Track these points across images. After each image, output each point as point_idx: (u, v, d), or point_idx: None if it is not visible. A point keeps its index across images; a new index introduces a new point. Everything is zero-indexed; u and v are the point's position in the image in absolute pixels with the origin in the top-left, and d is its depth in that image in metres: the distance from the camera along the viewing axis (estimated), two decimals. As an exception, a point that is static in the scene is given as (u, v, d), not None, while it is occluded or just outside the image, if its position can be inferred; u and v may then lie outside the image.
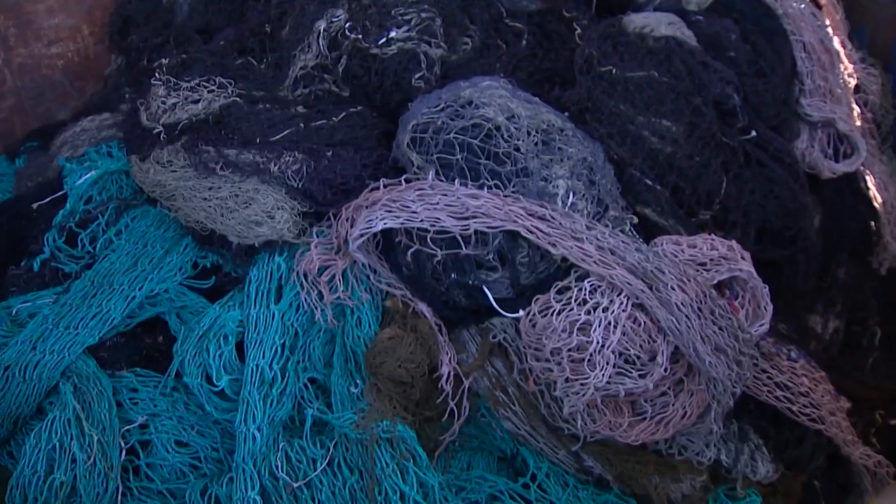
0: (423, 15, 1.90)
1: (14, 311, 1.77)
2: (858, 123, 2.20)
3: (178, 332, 1.73)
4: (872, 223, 2.18)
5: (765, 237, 2.01)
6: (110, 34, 2.26)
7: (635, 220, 1.79)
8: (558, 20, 2.11)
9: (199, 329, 1.69)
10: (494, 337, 1.65)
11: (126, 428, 1.64)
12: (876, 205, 2.18)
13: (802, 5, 2.20)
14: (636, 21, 2.05)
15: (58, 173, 2.03)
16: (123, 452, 1.61)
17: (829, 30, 2.21)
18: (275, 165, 1.70)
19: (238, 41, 1.98)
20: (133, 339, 1.76)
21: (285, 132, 1.75)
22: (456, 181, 1.63)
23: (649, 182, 1.85)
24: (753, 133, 2.00)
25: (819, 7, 2.24)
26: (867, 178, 2.20)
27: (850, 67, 2.21)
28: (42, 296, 1.79)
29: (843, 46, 2.24)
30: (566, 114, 1.87)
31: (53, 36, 2.35)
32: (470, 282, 1.61)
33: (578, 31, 2.05)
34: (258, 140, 1.73)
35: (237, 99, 1.79)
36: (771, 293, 1.77)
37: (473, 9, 2.01)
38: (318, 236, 1.75)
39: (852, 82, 2.21)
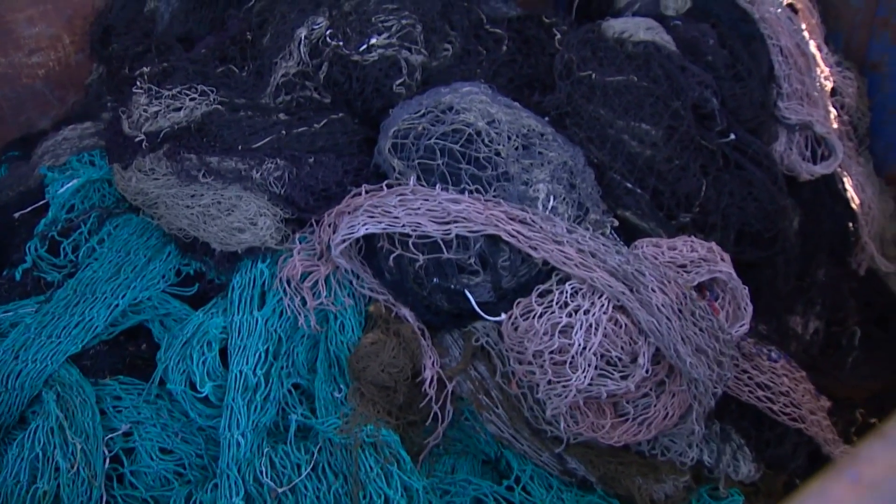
0: (404, 22, 1.91)
1: (-4, 321, 1.77)
2: (835, 126, 2.23)
3: (161, 340, 1.73)
4: (850, 224, 2.21)
5: (744, 239, 2.03)
6: (91, 43, 2.26)
7: (616, 223, 1.80)
8: (538, 26, 2.12)
9: (183, 336, 1.69)
10: (477, 340, 1.66)
11: (110, 436, 1.63)
12: (854, 206, 2.21)
13: (779, 10, 2.23)
14: (615, 26, 2.07)
15: (39, 182, 2.02)
16: (107, 461, 1.61)
17: (806, 34, 2.24)
18: (257, 172, 1.70)
19: (219, 49, 1.99)
20: (116, 347, 1.76)
21: (267, 139, 1.76)
22: (437, 186, 1.64)
23: (629, 185, 1.87)
24: (732, 136, 2.02)
25: (795, 12, 2.27)
26: (845, 179, 2.22)
27: (827, 71, 2.24)
28: (24, 305, 1.79)
29: (820, 50, 2.27)
30: (546, 119, 1.88)
31: (34, 45, 2.34)
32: (452, 286, 1.61)
33: (558, 36, 2.06)
34: (240, 147, 1.74)
35: (219, 107, 1.80)
36: (751, 294, 1.79)
37: (454, 15, 2.02)
38: (300, 242, 1.75)
39: (829, 85, 2.23)
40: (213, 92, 1.83)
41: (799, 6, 2.27)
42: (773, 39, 2.17)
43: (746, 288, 1.78)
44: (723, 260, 1.77)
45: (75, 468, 1.56)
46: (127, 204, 1.90)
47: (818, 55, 2.24)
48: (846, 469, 0.65)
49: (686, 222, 1.93)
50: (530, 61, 2.05)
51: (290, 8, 1.96)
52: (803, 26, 2.25)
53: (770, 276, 2.07)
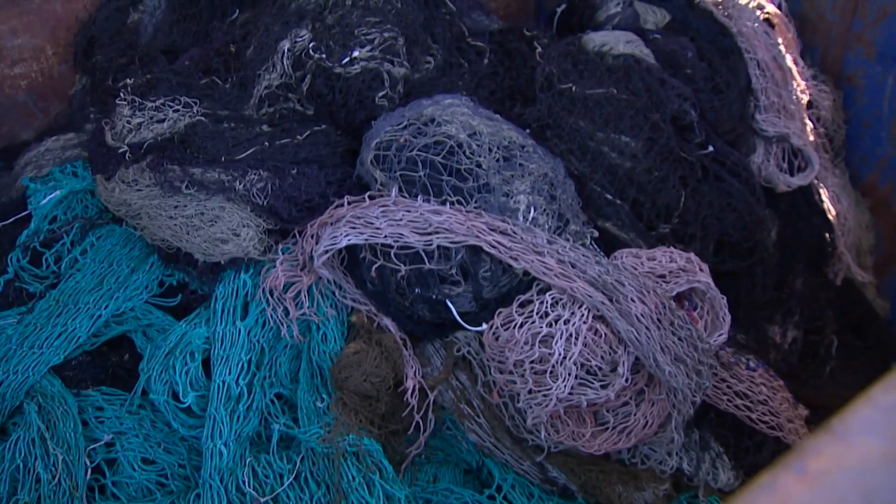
0: (386, 34, 1.93)
1: (-23, 332, 1.76)
2: (812, 138, 2.26)
3: (144, 350, 1.74)
4: (827, 234, 2.24)
5: (723, 249, 2.06)
6: (75, 54, 2.27)
7: (596, 233, 1.82)
8: (519, 39, 2.14)
9: (166, 346, 1.69)
10: (458, 350, 1.67)
11: (92, 447, 1.63)
12: (830, 217, 2.23)
13: (756, 24, 2.26)
14: (595, 39, 2.09)
15: (22, 193, 2.03)
16: (89, 471, 1.61)
17: (782, 48, 2.28)
18: (240, 183, 1.71)
19: (203, 61, 2.00)
20: (99, 358, 1.76)
21: (250, 151, 1.77)
22: (419, 197, 1.66)
23: (609, 196, 1.89)
24: (711, 148, 2.05)
25: (772, 26, 2.30)
26: (821, 190, 2.25)
27: (803, 84, 2.27)
28: (6, 316, 1.79)
29: (796, 64, 2.30)
30: (527, 130, 1.90)
31: (17, 56, 2.35)
32: (433, 296, 1.63)
33: (539, 49, 2.09)
34: (223, 159, 1.75)
35: (202, 118, 1.81)
36: (730, 304, 1.81)
37: (436, 28, 2.04)
38: (283, 253, 1.76)
39: (805, 98, 2.27)
40: (196, 103, 1.84)
41: (775, 21, 2.30)
42: (751, 53, 2.20)
43: (725, 298, 1.80)
44: (701, 270, 1.79)
45: (57, 479, 1.56)
46: (110, 215, 1.91)
47: (794, 69, 2.28)
48: (793, 462, 0.67)
49: (666, 233, 1.95)
50: (512, 74, 2.07)
51: (273, 20, 1.97)
52: (780, 40, 2.28)
53: (749, 286, 2.10)
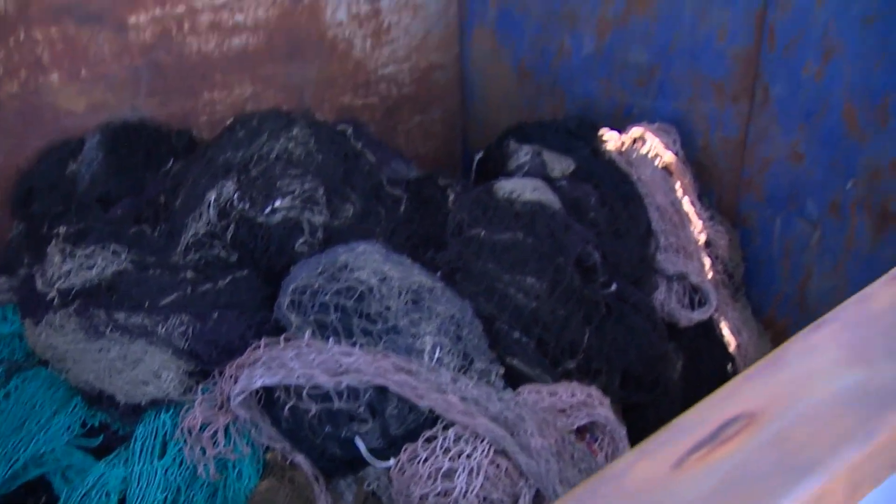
0: (307, 185, 2.07)
1: None
2: (710, 276, 2.43)
3: (61, 492, 1.78)
4: (729, 365, 2.38)
5: (629, 382, 2.17)
6: (13, 203, 2.37)
7: (502, 370, 1.93)
8: (434, 187, 2.31)
9: (83, 487, 1.74)
10: (368, 485, 1.74)
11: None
12: (731, 349, 2.38)
13: (655, 172, 2.46)
14: (505, 187, 2.27)
15: (-49, 336, 2.09)
16: None
17: (680, 192, 2.47)
18: (162, 328, 1.81)
19: (135, 210, 2.12)
20: (15, 502, 1.79)
21: (173, 296, 1.87)
22: (330, 340, 1.76)
23: (516, 335, 2.01)
24: (614, 287, 2.20)
25: (670, 173, 2.51)
26: (722, 324, 2.41)
27: (700, 225, 2.46)
28: (-74, 460, 1.82)
29: (694, 206, 2.50)
30: (438, 274, 2.04)
31: (-43, 203, 2.45)
32: (343, 434, 1.71)
33: (451, 197, 2.25)
34: (147, 304, 1.84)
35: (129, 265, 1.91)
36: (639, 434, 1.91)
37: (355, 178, 2.19)
38: (203, 394, 1.84)
39: (702, 238, 2.45)
40: (125, 251, 1.94)
41: (673, 168, 2.51)
42: (650, 198, 2.39)
43: (625, 429, 1.91)
44: (601, 404, 1.90)
45: None
46: (37, 358, 1.98)
47: (692, 211, 2.47)
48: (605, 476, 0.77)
49: (571, 368, 2.07)
50: (426, 220, 2.22)
51: (202, 173, 2.11)
52: (678, 185, 2.49)
53: (655, 417, 2.20)
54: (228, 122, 2.26)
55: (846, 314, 0.80)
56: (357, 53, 3.02)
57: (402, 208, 2.22)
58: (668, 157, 2.51)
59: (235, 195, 2.04)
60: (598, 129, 2.60)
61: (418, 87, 3.19)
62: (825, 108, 2.31)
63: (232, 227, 2.03)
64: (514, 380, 1.96)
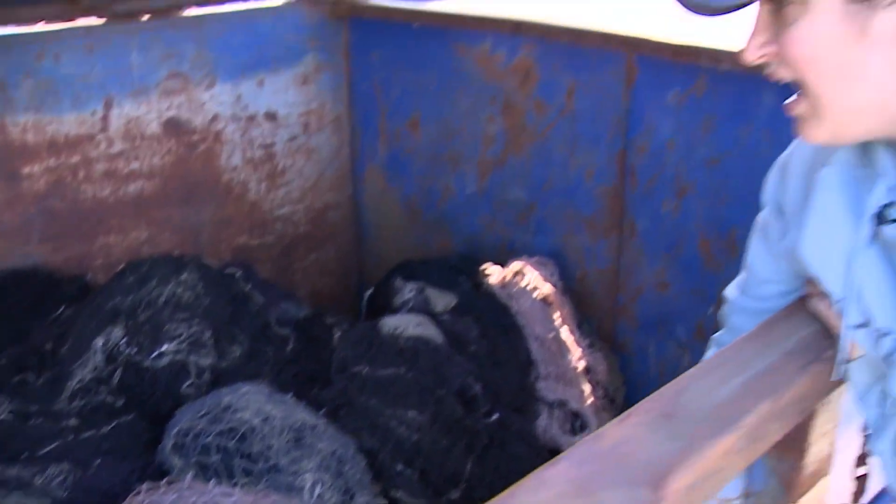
0: (194, 328, 2.14)
1: None
2: (591, 401, 2.55)
3: None
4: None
5: (515, 509, 2.24)
6: None
7: (386, 503, 1.99)
8: (321, 326, 2.40)
9: None
10: None
11: None
12: (613, 472, 2.48)
13: (534, 303, 2.61)
14: (389, 323, 2.37)
15: None
16: None
17: (559, 322, 2.62)
18: (39, 478, 1.81)
19: (19, 359, 2.14)
20: None
21: (54, 444, 1.88)
22: (212, 481, 1.79)
23: (399, 467, 2.08)
24: (496, 416, 2.29)
25: (549, 304, 2.65)
26: (603, 448, 2.51)
27: (579, 353, 2.60)
28: None
29: (573, 335, 2.64)
30: (322, 411, 2.10)
31: None
32: (223, 576, 1.73)
33: (337, 335, 2.34)
34: (25, 455, 1.85)
35: (9, 416, 1.93)
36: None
37: (243, 319, 2.27)
38: (83, 543, 1.83)
39: (582, 365, 2.58)
40: (6, 401, 1.96)
41: (552, 299, 2.66)
42: (529, 329, 2.52)
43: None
44: (482, 533, 1.96)
45: None
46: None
47: (571, 339, 2.61)
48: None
49: (455, 498, 2.13)
50: (313, 358, 2.30)
51: (90, 319, 2.16)
52: (556, 316, 2.63)
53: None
54: (119, 268, 2.33)
55: (578, 451, 0.91)
56: (252, 196, 3.14)
57: (290, 347, 2.29)
58: (546, 288, 2.66)
59: (123, 340, 2.09)
60: (480, 264, 2.76)
61: (313, 226, 3.32)
62: (684, 240, 2.52)
63: (119, 371, 2.07)
64: (398, 512, 2.02)
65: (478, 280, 2.67)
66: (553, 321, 2.59)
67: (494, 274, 2.70)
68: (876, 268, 1.03)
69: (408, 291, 2.58)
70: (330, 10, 3.08)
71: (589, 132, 2.64)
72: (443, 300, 2.54)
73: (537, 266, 2.72)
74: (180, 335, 2.11)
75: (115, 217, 2.82)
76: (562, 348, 2.55)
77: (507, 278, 2.68)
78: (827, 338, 1.14)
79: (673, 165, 2.47)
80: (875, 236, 1.03)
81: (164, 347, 2.09)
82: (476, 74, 2.85)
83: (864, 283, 1.04)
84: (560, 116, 2.69)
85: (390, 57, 3.08)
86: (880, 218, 1.02)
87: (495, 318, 2.52)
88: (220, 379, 2.15)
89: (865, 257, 1.03)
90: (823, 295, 1.14)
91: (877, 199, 1.01)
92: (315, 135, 3.22)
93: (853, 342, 1.09)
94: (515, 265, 2.70)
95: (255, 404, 1.93)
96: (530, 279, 2.66)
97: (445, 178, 3.10)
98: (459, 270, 2.70)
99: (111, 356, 2.09)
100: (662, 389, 1.03)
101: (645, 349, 2.69)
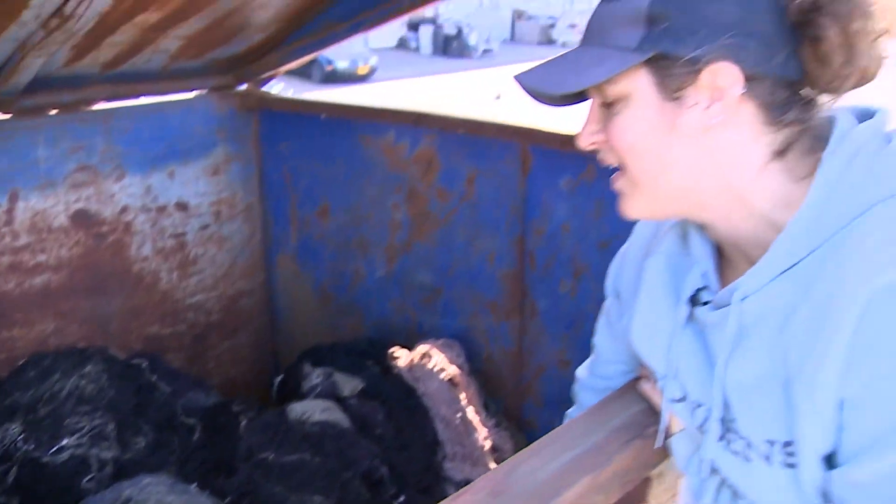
0: (97, 421, 2.13)
1: None
2: (497, 479, 2.60)
3: None
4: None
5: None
6: None
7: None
8: (228, 414, 2.41)
9: None
10: None
11: None
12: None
13: (440, 385, 2.67)
14: (296, 409, 2.40)
15: None
16: None
17: (465, 402, 2.68)
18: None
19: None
20: None
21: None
22: (109, 577, 1.79)
23: (304, 554, 2.09)
24: (402, 498, 2.32)
25: (455, 385, 2.72)
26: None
27: (486, 432, 2.66)
28: None
29: (479, 415, 2.70)
30: (227, 500, 2.11)
31: None
32: None
33: (244, 423, 2.36)
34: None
35: None
36: None
37: (149, 410, 2.27)
38: None
39: (488, 444, 2.64)
40: None
41: (458, 381, 2.72)
42: (435, 410, 2.58)
43: None
44: None
45: None
46: None
47: (477, 420, 2.67)
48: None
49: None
50: (219, 447, 2.31)
51: (-12, 415, 2.14)
52: (462, 396, 2.69)
53: None
54: (20, 363, 2.32)
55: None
56: (164, 285, 3.16)
57: (196, 437, 2.30)
58: (452, 370, 2.73)
59: (20, 437, 2.07)
60: (389, 347, 2.82)
61: (226, 313, 3.34)
62: (582, 319, 2.62)
63: (14, 469, 2.04)
64: None
65: (386, 363, 2.73)
66: (459, 402, 2.65)
67: (402, 357, 2.76)
68: (691, 346, 1.14)
69: (315, 377, 2.61)
70: (239, 103, 3.17)
71: (489, 218, 2.75)
72: (350, 384, 2.58)
73: (444, 348, 2.80)
74: (82, 428, 2.10)
75: (19, 310, 2.80)
76: (468, 428, 2.60)
77: (415, 361, 2.74)
78: (652, 415, 1.25)
79: (569, 248, 2.59)
80: (690, 317, 1.14)
81: (65, 441, 2.08)
82: (381, 164, 2.96)
83: (680, 360, 1.15)
84: (461, 203, 2.80)
85: (300, 147, 3.18)
86: (694, 301, 1.13)
87: (401, 400, 2.57)
88: (123, 471, 2.14)
89: (682, 336, 1.14)
90: (651, 375, 1.25)
91: (692, 283, 1.13)
92: (227, 223, 3.27)
93: (673, 415, 1.19)
94: (422, 348, 2.77)
95: (157, 496, 1.93)
96: (437, 361, 2.72)
97: (355, 263, 3.18)
98: (367, 354, 2.76)
99: (7, 454, 2.07)
100: (496, 468, 1.11)
101: (550, 426, 2.70)
